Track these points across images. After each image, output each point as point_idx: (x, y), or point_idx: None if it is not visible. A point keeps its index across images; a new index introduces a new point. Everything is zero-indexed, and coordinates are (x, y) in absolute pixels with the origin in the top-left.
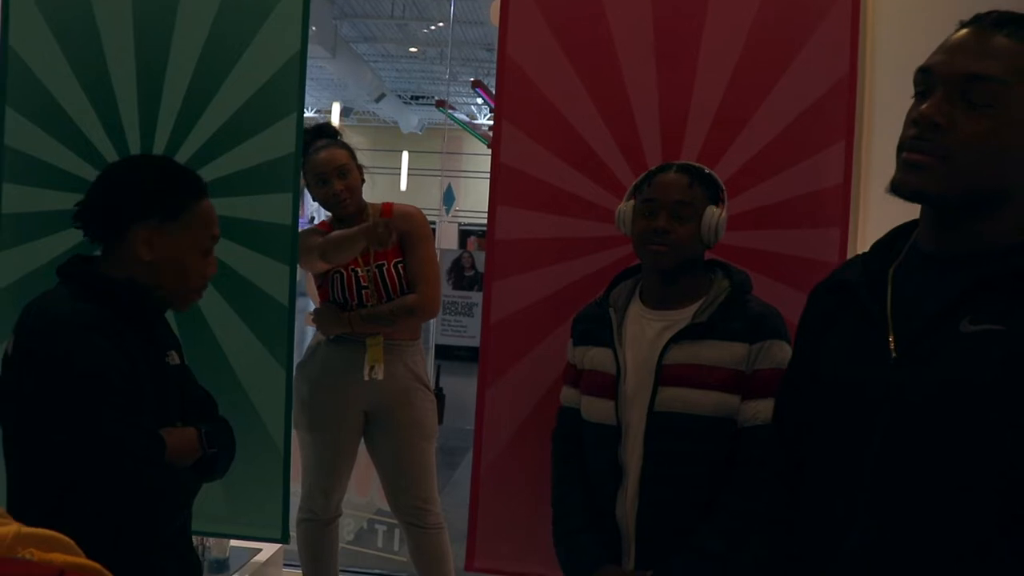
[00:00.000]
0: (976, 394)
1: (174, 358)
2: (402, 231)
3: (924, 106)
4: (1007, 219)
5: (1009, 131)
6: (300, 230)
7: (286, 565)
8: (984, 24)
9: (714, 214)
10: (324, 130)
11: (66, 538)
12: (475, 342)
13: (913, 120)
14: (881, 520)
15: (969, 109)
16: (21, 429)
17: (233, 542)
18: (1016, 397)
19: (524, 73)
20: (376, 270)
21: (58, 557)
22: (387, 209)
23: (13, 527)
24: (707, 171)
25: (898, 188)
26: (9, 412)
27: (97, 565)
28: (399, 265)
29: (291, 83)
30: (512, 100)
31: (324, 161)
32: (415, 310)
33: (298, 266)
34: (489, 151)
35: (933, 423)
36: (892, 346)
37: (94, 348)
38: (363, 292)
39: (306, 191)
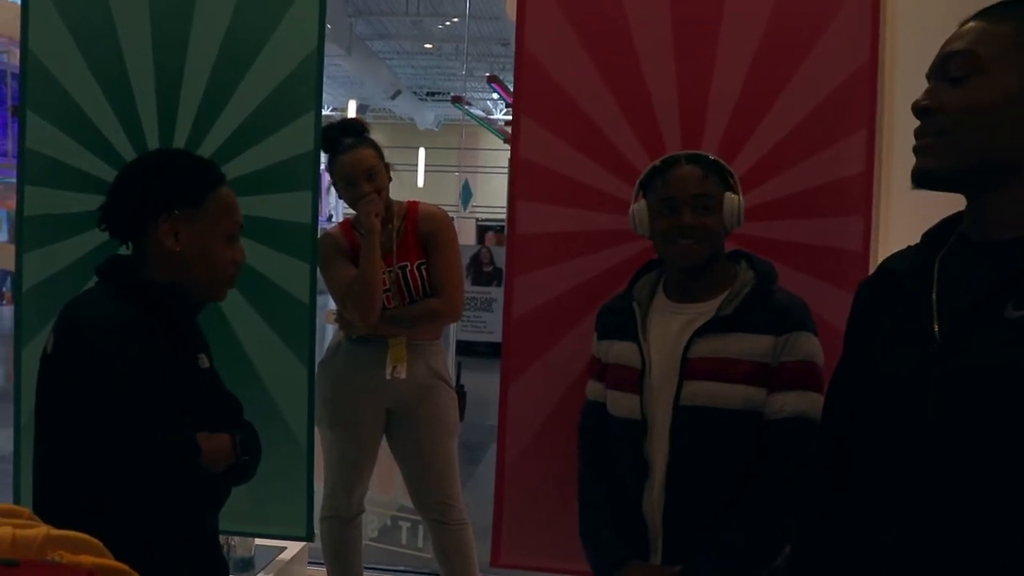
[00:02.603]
0: (1018, 381)
1: (204, 361)
2: (426, 232)
3: (918, 98)
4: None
5: (990, 96)
6: (321, 235)
7: (311, 563)
8: (966, 19)
9: (733, 200)
10: (350, 127)
11: (95, 540)
12: (495, 338)
13: (914, 113)
14: (923, 514)
15: (950, 85)
16: (56, 429)
17: (258, 541)
18: None
19: (542, 67)
20: (399, 271)
21: (87, 559)
22: (412, 208)
23: (43, 529)
24: (712, 157)
25: (913, 177)
26: (45, 411)
27: (126, 567)
28: (422, 267)
29: (308, 81)
30: (530, 94)
31: (352, 163)
32: (439, 315)
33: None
34: (506, 146)
35: (976, 412)
36: (936, 334)
37: (130, 350)
38: (385, 294)
39: (325, 188)
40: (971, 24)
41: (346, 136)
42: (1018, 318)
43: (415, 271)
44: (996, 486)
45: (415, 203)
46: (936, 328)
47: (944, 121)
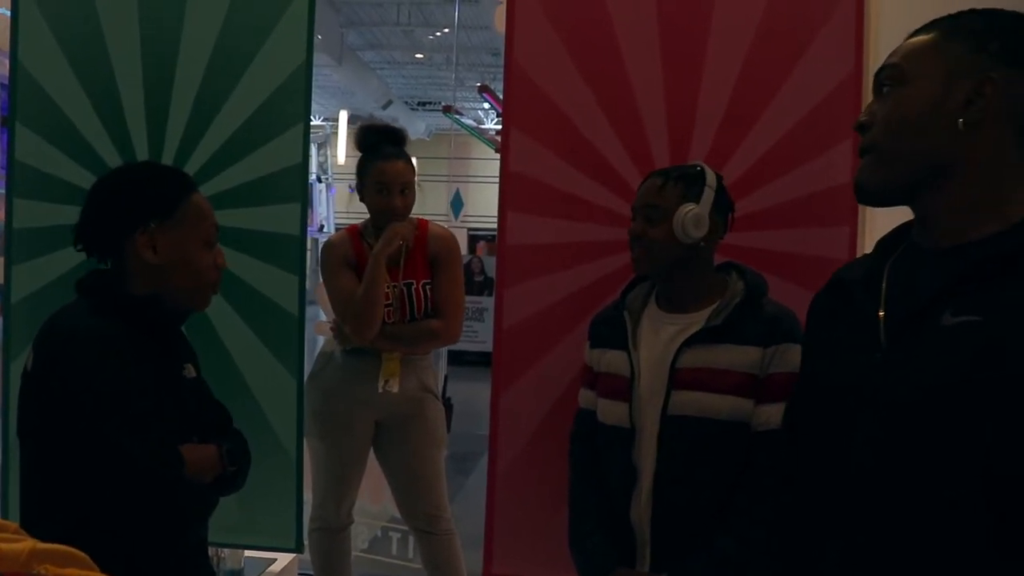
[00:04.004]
0: (954, 388)
1: (191, 371)
2: (434, 252)
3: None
4: (955, 193)
5: (909, 104)
6: (325, 243)
7: (301, 574)
8: (909, 35)
9: (682, 211)
10: (392, 135)
11: (81, 553)
12: (486, 347)
13: (855, 131)
14: (864, 525)
15: (881, 98)
16: (39, 444)
17: (248, 552)
18: (990, 389)
19: (531, 78)
20: (404, 288)
21: (73, 572)
22: (423, 226)
23: (28, 543)
24: (698, 168)
25: (856, 194)
26: (28, 427)
27: None
28: (427, 287)
29: (298, 93)
30: (519, 106)
31: (393, 173)
32: (438, 337)
33: (308, 275)
34: (497, 155)
35: (915, 422)
36: (880, 343)
37: (112, 364)
38: (386, 309)
39: (317, 198)
40: (908, 40)
41: (388, 143)
42: (954, 325)
43: (420, 289)
44: (932, 497)
45: (425, 222)
46: (881, 336)
47: (876, 134)
